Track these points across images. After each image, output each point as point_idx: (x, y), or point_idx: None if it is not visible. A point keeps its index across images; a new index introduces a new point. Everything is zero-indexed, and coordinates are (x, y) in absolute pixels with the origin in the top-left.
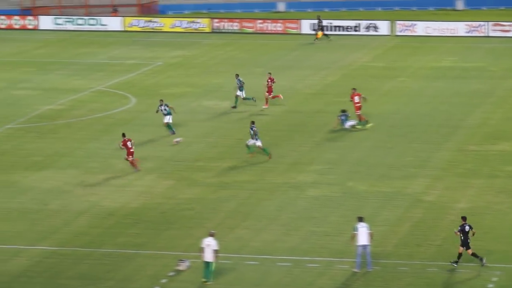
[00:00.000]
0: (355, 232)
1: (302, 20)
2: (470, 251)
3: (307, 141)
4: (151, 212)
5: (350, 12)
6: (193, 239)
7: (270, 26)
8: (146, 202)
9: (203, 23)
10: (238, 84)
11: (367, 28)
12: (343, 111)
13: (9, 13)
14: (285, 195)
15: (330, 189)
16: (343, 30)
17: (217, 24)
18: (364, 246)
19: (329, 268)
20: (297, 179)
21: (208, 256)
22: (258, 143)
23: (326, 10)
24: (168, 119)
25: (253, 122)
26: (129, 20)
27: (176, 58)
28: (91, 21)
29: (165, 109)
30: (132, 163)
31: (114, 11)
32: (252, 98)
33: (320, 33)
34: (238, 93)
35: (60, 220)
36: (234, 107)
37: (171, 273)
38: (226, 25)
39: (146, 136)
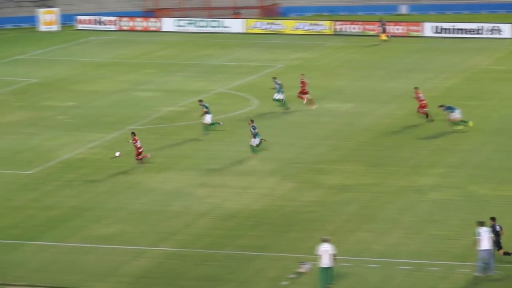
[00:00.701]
0: (478, 237)
1: (425, 23)
2: (501, 252)
3: (428, 144)
4: (272, 214)
5: (473, 15)
6: (314, 242)
7: (392, 28)
8: (267, 204)
9: (325, 26)
10: (277, 87)
11: (491, 31)
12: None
13: (132, 15)
14: (407, 198)
15: (451, 192)
16: (465, 33)
17: (339, 27)
18: (487, 251)
19: (450, 272)
20: (418, 182)
21: (327, 262)
22: (256, 141)
23: (449, 12)
24: (208, 118)
25: (252, 121)
26: (251, 22)
27: (297, 60)
28: (213, 23)
29: (205, 106)
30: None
31: (236, 13)
32: (283, 101)
33: (383, 35)
34: (278, 96)
35: (181, 222)
36: (287, 108)
37: (292, 276)
38: (348, 27)
39: (268, 138)
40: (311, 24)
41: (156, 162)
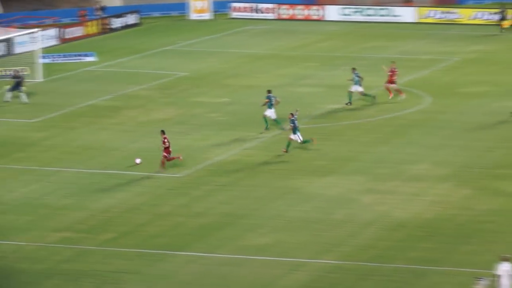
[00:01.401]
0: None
1: None
2: None
3: None
4: (446, 224)
5: None
6: (492, 255)
7: None
8: (440, 212)
9: (508, 15)
10: (355, 79)
11: None
12: None
13: (292, 3)
14: None
15: None
16: None
17: None
18: None
19: None
20: None
21: (507, 284)
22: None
23: None
24: (271, 113)
25: (293, 114)
26: (424, 11)
27: (475, 53)
28: (382, 12)
29: (274, 99)
30: (163, 162)
31: (407, 0)
32: (372, 96)
33: (506, 22)
34: (355, 88)
35: (345, 231)
36: (349, 103)
37: None
38: None
39: (440, 141)
40: (491, 13)
41: (317, 166)
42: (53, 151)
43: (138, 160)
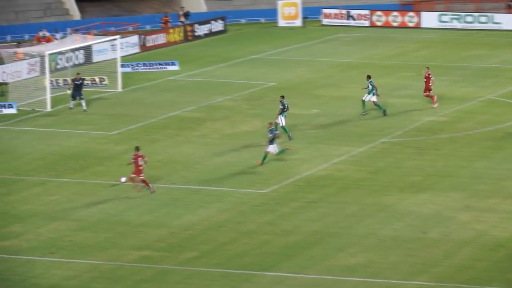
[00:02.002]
0: None
1: None
2: None
3: None
4: None
5: None
6: None
7: None
8: None
9: None
10: (369, 87)
11: None
12: None
13: (387, 9)
14: None
15: None
16: None
17: None
18: None
19: None
20: None
21: None
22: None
23: None
24: (282, 120)
25: (271, 124)
26: None
27: None
28: (482, 19)
29: (286, 107)
30: (132, 179)
31: (508, 7)
32: (383, 109)
33: None
34: (368, 97)
35: (440, 251)
36: (364, 113)
37: None
38: None
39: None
40: None
41: (411, 181)
42: (133, 165)
43: (123, 179)
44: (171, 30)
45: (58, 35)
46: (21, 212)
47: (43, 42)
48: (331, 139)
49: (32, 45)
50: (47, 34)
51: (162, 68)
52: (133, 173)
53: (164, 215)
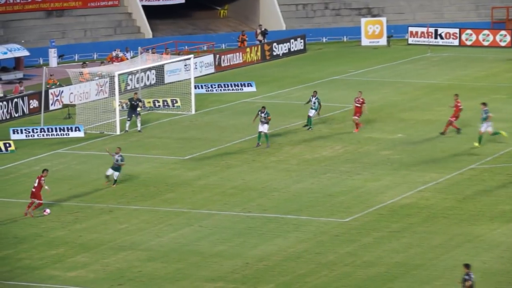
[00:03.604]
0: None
1: None
2: None
3: None
4: None
5: None
6: None
7: None
8: None
9: None
10: (315, 102)
11: None
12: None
13: (477, 27)
14: None
15: None
16: None
17: None
18: None
19: None
20: None
21: None
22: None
23: None
24: (265, 128)
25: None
26: None
27: None
28: None
29: (264, 117)
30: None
31: None
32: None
33: None
34: (311, 113)
35: None
36: (307, 126)
37: None
38: None
39: None
40: None
41: (502, 210)
42: (207, 192)
43: (47, 211)
44: (248, 49)
45: (128, 55)
46: (88, 241)
47: (116, 63)
48: (416, 165)
49: (102, 65)
50: (120, 54)
51: (238, 89)
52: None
53: (239, 244)
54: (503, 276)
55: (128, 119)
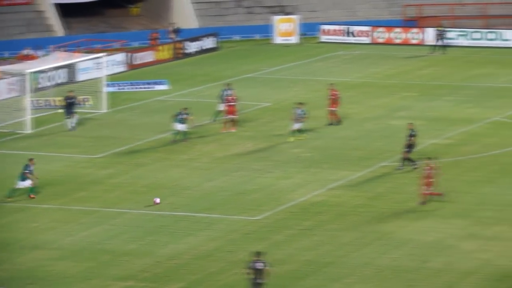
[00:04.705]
0: None
1: None
2: None
3: None
4: None
5: None
6: None
7: None
8: None
9: None
10: (222, 96)
11: None
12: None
13: (388, 25)
14: None
15: None
16: None
17: None
18: None
19: None
20: None
21: None
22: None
23: None
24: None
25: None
26: None
27: None
28: (490, 35)
29: (181, 118)
30: None
31: None
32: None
33: None
34: (221, 107)
35: (442, 282)
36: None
37: None
38: None
39: None
40: None
41: (412, 208)
42: (118, 191)
43: (157, 200)
44: (160, 48)
45: (40, 53)
46: None
47: (28, 61)
48: (327, 163)
49: (13, 63)
50: (31, 52)
51: (150, 87)
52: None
53: (150, 243)
54: (413, 273)
55: (67, 116)
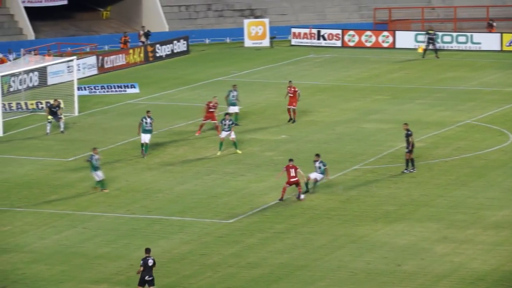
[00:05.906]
0: None
1: None
2: None
3: None
4: None
5: None
6: None
7: None
8: None
9: None
10: (232, 97)
11: None
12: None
13: (359, 28)
14: None
15: None
16: None
17: None
18: None
19: None
20: None
21: None
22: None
23: None
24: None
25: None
26: (509, 37)
27: None
28: (461, 38)
29: (150, 124)
30: None
31: (489, 26)
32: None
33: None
34: (232, 109)
35: (415, 285)
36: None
37: None
38: None
39: None
40: None
41: (385, 211)
42: (91, 194)
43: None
44: (130, 51)
45: (11, 56)
46: None
47: None
48: (299, 166)
49: None
50: (2, 55)
51: (121, 91)
52: None
53: (123, 246)
54: (387, 276)
55: (49, 121)
